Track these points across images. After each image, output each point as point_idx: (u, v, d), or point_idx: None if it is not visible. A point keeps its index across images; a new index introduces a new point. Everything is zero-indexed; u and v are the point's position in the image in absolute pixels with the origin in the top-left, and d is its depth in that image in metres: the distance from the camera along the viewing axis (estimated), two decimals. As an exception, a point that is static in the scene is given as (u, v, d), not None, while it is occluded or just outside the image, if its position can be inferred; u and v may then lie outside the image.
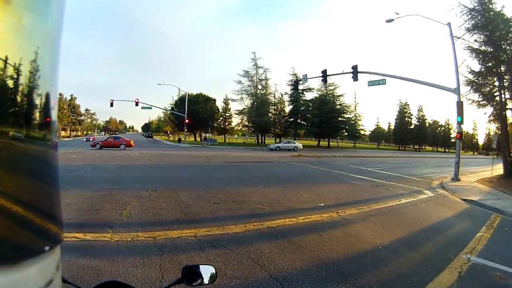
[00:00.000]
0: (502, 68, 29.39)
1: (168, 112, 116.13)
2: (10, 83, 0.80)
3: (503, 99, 29.89)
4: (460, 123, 26.81)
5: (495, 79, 30.24)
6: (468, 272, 7.69)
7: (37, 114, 0.88)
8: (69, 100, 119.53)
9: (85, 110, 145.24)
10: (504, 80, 29.40)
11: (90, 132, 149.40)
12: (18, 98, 0.82)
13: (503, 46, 28.85)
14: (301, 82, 63.90)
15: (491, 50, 29.33)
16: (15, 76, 0.80)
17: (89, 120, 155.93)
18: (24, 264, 0.82)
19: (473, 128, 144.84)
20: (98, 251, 7.70)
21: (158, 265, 7.21)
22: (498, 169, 31.60)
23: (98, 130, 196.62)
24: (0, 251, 0.79)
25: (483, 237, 10.67)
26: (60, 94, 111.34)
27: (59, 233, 1.02)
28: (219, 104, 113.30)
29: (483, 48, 29.51)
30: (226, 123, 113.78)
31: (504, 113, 29.66)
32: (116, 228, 9.52)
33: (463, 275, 7.51)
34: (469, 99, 31.41)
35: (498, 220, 13.29)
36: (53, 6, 0.95)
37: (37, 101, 0.87)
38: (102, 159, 31.52)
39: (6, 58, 0.76)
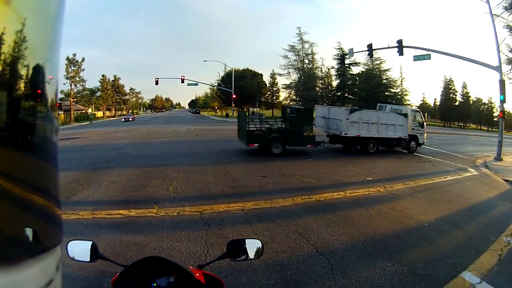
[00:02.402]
0: None
1: (215, 88, 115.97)
2: None
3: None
4: (502, 101, 26.14)
5: (535, 60, 28.97)
6: (507, 256, 7.55)
7: (21, 84, 0.84)
8: (113, 80, 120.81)
9: (130, 89, 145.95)
10: None
11: (135, 111, 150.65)
12: None
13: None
14: (347, 56, 63.41)
15: None
16: None
17: (134, 99, 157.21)
18: (24, 264, 0.81)
19: None
20: (143, 227, 7.79)
21: (204, 239, 7.24)
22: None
23: (144, 108, 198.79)
24: (0, 251, 0.77)
25: None
26: (103, 76, 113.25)
27: (59, 233, 1.01)
28: (266, 79, 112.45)
29: None
30: (274, 98, 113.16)
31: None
32: (162, 203, 9.60)
33: (503, 259, 7.38)
34: (511, 78, 30.32)
35: (538, 204, 12.84)
36: None
37: (22, 71, 0.83)
38: (148, 136, 31.88)
39: None
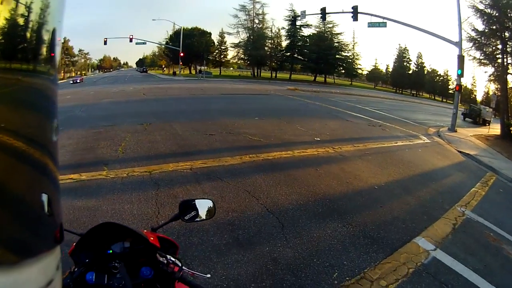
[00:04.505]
0: (507, 34, 29.01)
1: (163, 46, 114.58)
2: (21, 20, 0.77)
3: (505, 63, 29.67)
4: (460, 76, 27.03)
5: (498, 42, 29.76)
6: (462, 226, 7.79)
7: (44, 49, 0.86)
8: (62, 42, 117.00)
9: (79, 51, 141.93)
10: (508, 46, 29.13)
11: (84, 72, 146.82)
12: (28, 35, 0.80)
13: (509, 14, 28.46)
14: (299, 18, 62.75)
15: (496, 14, 28.86)
16: (26, 14, 0.77)
17: (83, 60, 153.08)
18: (24, 264, 0.79)
19: (472, 84, 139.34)
20: (94, 191, 7.61)
21: (154, 200, 7.21)
22: (495, 128, 32.06)
23: (92, 69, 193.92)
24: (0, 251, 0.75)
25: (477, 193, 10.71)
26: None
27: (60, 232, 0.99)
28: (215, 38, 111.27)
29: (488, 10, 29.06)
30: (222, 56, 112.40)
31: (505, 76, 29.66)
32: (111, 165, 9.41)
33: (457, 228, 7.62)
34: (470, 55, 31.18)
35: (493, 179, 13.25)
36: None
37: (45, 36, 0.85)
38: (96, 97, 30.80)
39: None
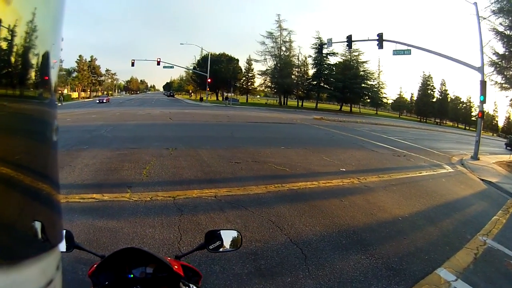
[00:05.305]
0: None
1: (190, 71, 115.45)
2: (4, 45, 0.75)
3: (526, 86, 29.25)
4: (482, 102, 26.44)
5: (518, 64, 29.37)
6: (483, 255, 7.63)
7: (32, 74, 0.84)
8: (89, 61, 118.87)
9: (106, 71, 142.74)
10: None
11: (110, 92, 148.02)
12: (12, 59, 0.78)
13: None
14: (325, 46, 62.91)
15: None
16: (9, 38, 0.75)
17: (109, 80, 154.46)
18: (24, 264, 0.79)
19: (494, 110, 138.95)
20: (116, 212, 7.64)
21: (177, 225, 7.16)
22: (516, 155, 31.57)
23: (119, 90, 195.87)
24: (0, 251, 0.75)
25: (499, 221, 10.49)
26: (80, 56, 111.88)
27: (60, 232, 1.01)
28: (242, 64, 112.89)
29: (508, 32, 28.83)
30: (249, 83, 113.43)
31: (525, 99, 29.34)
32: (135, 188, 9.43)
33: (479, 258, 7.44)
34: (492, 80, 30.65)
35: (514, 206, 12.95)
36: None
37: (33, 60, 0.83)
38: (122, 118, 31.16)
39: (0, 21, 0.72)
